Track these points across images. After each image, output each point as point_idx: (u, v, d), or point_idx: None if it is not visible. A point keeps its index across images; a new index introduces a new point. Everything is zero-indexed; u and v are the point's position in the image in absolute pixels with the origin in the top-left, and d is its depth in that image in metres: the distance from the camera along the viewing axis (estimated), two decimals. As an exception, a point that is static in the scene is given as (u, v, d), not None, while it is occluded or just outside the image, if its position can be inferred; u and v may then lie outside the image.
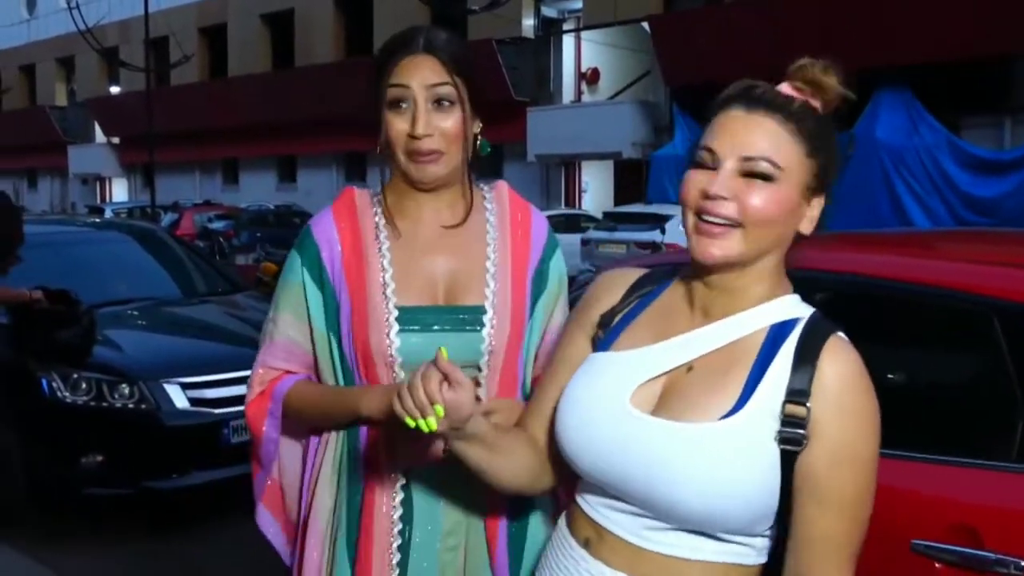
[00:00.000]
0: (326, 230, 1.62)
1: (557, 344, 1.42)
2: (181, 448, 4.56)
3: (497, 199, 1.69)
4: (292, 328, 1.63)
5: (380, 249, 1.60)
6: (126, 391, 4.48)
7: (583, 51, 22.07)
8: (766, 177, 1.18)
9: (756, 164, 1.18)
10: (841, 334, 1.22)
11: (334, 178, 26.76)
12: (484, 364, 1.60)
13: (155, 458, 4.54)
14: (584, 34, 21.69)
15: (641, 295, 1.34)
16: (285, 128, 26.29)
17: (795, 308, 1.25)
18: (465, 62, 1.58)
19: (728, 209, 1.18)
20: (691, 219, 1.22)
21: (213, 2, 29.97)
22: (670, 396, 1.23)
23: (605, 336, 1.33)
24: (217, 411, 4.59)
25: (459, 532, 1.60)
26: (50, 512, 4.75)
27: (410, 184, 1.61)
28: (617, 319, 1.33)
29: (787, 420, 1.16)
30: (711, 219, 1.19)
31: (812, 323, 1.22)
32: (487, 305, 1.60)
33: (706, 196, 1.19)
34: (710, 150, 1.21)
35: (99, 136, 35.10)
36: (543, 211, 17.44)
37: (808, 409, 1.16)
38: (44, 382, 4.49)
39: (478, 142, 1.63)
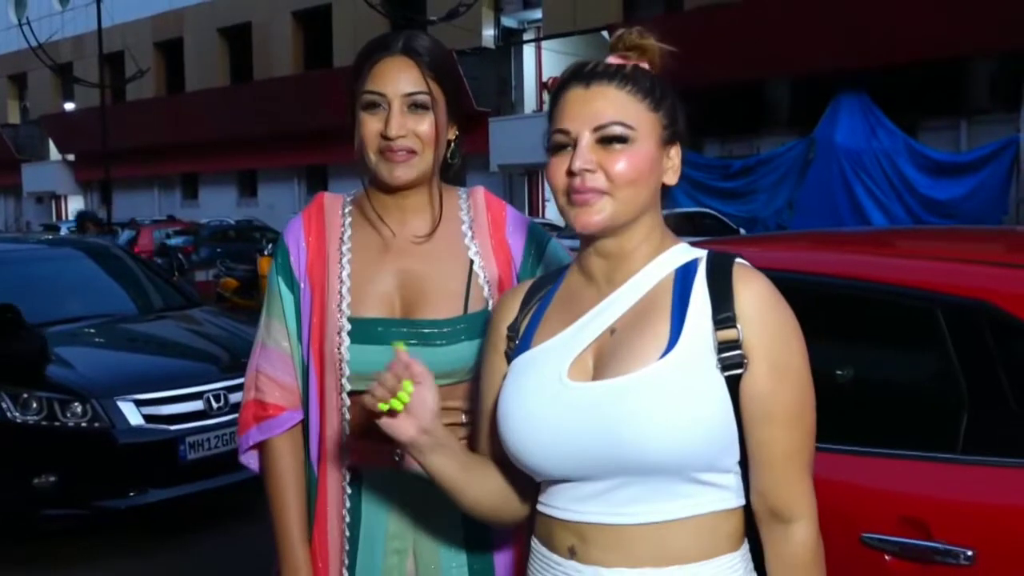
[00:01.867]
0: (296, 235, 1.65)
1: (480, 375, 1.42)
2: (136, 466, 4.49)
3: (474, 206, 1.67)
4: (280, 333, 1.64)
5: (341, 259, 1.61)
6: (78, 409, 4.40)
7: (544, 61, 22.17)
8: (622, 139, 1.24)
9: (610, 129, 1.24)
10: (740, 259, 1.28)
11: (295, 192, 26.61)
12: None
13: (110, 477, 4.47)
14: (544, 44, 21.79)
15: (540, 297, 1.38)
16: (245, 142, 26.10)
17: (690, 252, 1.31)
18: (443, 67, 1.58)
19: (596, 181, 1.23)
20: (563, 199, 1.27)
21: (169, 16, 29.70)
22: (603, 360, 1.26)
23: (519, 343, 1.35)
24: (173, 428, 4.53)
25: (405, 536, 1.59)
26: (5, 534, 4.64)
27: (379, 187, 1.60)
28: (524, 324, 1.36)
29: (722, 346, 1.21)
30: (582, 192, 1.24)
31: (712, 258, 1.28)
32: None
33: (571, 173, 1.24)
34: (564, 131, 1.26)
35: (54, 153, 34.62)
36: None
37: (739, 330, 1.21)
38: (-7, 403, 4.40)
39: (450, 149, 1.63)
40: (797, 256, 2.46)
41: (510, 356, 1.35)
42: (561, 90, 1.29)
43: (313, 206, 1.67)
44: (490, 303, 1.60)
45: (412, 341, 1.55)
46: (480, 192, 1.70)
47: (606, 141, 1.24)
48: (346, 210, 1.66)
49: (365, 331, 1.56)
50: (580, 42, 20.36)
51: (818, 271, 2.28)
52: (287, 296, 1.63)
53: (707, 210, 15.45)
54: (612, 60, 1.29)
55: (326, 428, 1.61)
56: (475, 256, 1.61)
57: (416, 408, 1.25)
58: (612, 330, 1.27)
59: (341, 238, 1.62)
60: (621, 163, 1.23)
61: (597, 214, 1.23)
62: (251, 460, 1.71)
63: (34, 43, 20.99)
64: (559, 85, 1.30)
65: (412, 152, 1.55)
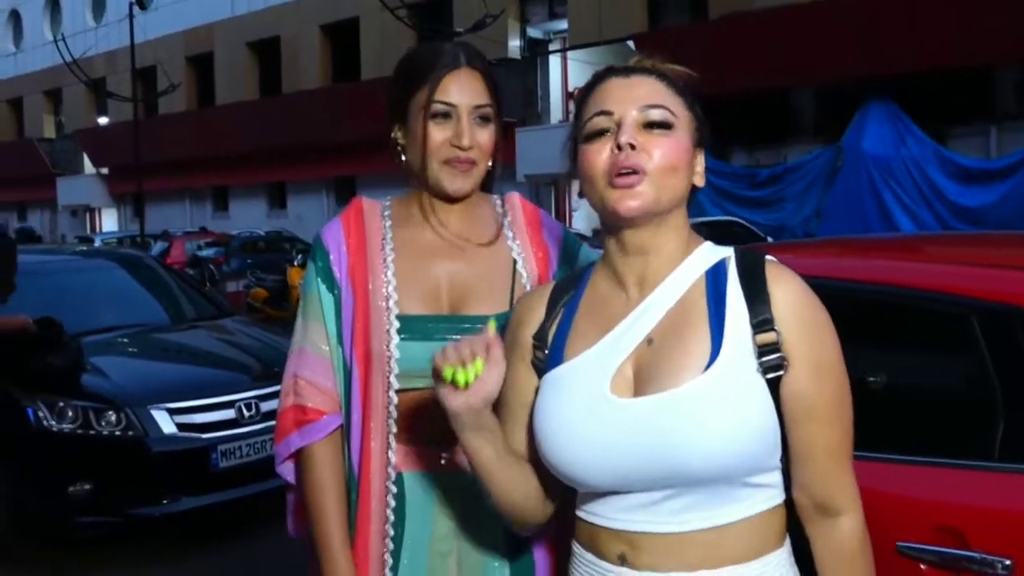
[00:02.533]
0: (335, 236, 1.66)
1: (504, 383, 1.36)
2: (169, 474, 4.53)
3: (511, 210, 1.71)
4: (319, 336, 1.64)
5: (385, 259, 1.63)
6: (113, 418, 4.45)
7: (570, 71, 22.20)
8: (664, 125, 1.25)
9: (655, 112, 1.25)
10: (770, 256, 1.28)
11: (324, 203, 26.79)
12: None
13: (143, 485, 4.51)
14: (570, 54, 21.82)
15: (565, 302, 1.36)
16: (274, 155, 26.33)
17: (716, 252, 1.31)
18: (496, 81, 1.63)
19: (641, 158, 1.23)
20: (602, 182, 1.25)
21: (200, 31, 30.09)
22: (644, 373, 1.24)
23: (549, 354, 1.33)
24: (205, 436, 4.57)
25: (449, 539, 1.61)
26: (39, 541, 4.70)
27: (436, 194, 1.63)
28: (552, 333, 1.34)
29: (762, 350, 1.21)
30: (625, 170, 1.23)
31: (742, 257, 1.28)
32: None
33: (618, 148, 1.23)
34: (606, 112, 1.26)
35: (88, 167, 35.11)
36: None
37: (777, 333, 1.21)
38: (30, 411, 4.46)
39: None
40: (829, 262, 2.45)
41: (539, 366, 1.33)
42: (597, 81, 1.31)
43: (351, 210, 1.70)
44: None
45: (461, 335, 1.57)
46: (515, 196, 1.74)
47: (649, 126, 1.24)
48: (385, 213, 1.69)
49: (414, 328, 1.58)
50: (606, 52, 20.36)
51: (851, 277, 2.27)
52: (327, 298, 1.63)
53: (735, 219, 15.37)
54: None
55: (370, 430, 1.61)
56: (518, 256, 1.65)
57: (474, 386, 1.24)
58: (649, 340, 1.25)
59: (383, 239, 1.65)
60: (663, 148, 1.23)
61: (637, 198, 1.22)
62: (287, 471, 1.70)
63: (69, 59, 21.35)
64: (595, 78, 1.31)
65: (473, 163, 1.60)
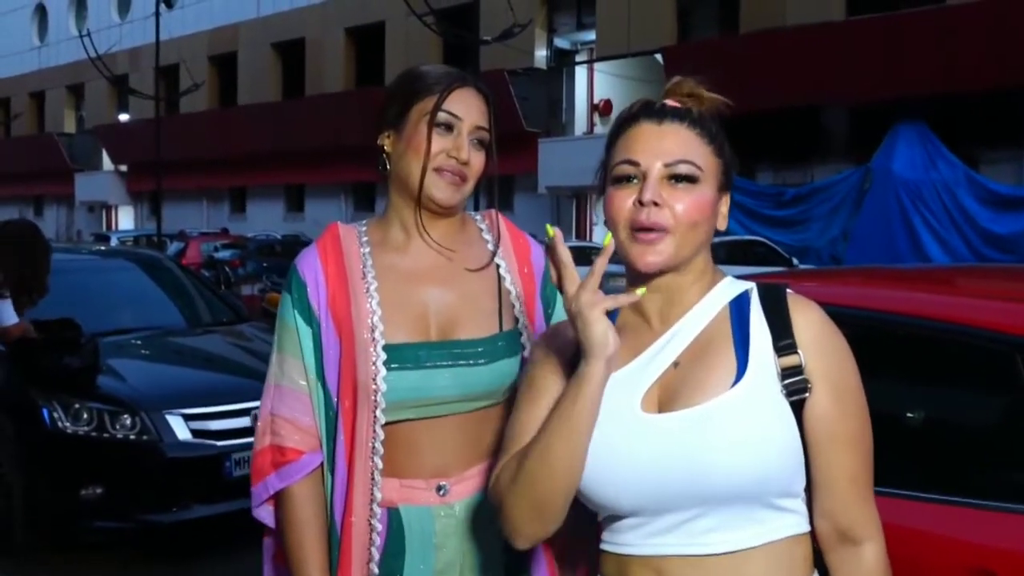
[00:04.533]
0: (312, 267, 1.61)
1: (533, 399, 1.33)
2: (182, 481, 4.49)
3: (492, 227, 1.69)
4: (296, 371, 1.59)
5: (368, 287, 1.58)
6: (128, 422, 4.42)
7: (596, 82, 22.19)
8: (690, 179, 1.27)
9: (680, 167, 1.26)
10: (789, 289, 1.32)
11: (342, 208, 26.85)
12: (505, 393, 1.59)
13: (156, 490, 4.47)
14: (597, 65, 21.81)
15: None
16: (294, 157, 26.43)
17: (738, 285, 1.35)
18: (496, 114, 1.64)
19: (662, 216, 1.25)
20: (624, 233, 1.27)
21: (224, 31, 30.26)
22: (670, 394, 1.27)
23: None
24: (220, 443, 4.52)
25: (451, 571, 1.58)
26: (49, 544, 4.67)
27: (423, 204, 1.59)
28: None
29: (786, 373, 1.25)
30: (647, 227, 1.25)
31: (763, 289, 1.32)
32: (523, 332, 1.60)
33: (638, 204, 1.25)
34: (633, 162, 1.27)
35: (106, 163, 35.33)
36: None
37: (800, 356, 1.25)
38: (45, 412, 4.44)
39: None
40: (870, 293, 2.42)
41: None
42: (629, 123, 1.31)
43: (327, 236, 1.65)
44: (521, 320, 1.62)
45: (452, 362, 1.55)
46: (495, 213, 1.72)
47: (674, 179, 1.26)
48: (363, 239, 1.64)
49: (402, 357, 1.55)
50: (633, 64, 20.32)
51: (892, 310, 2.23)
52: (305, 331, 1.58)
53: (759, 238, 15.26)
54: (670, 103, 1.32)
55: (355, 464, 1.56)
56: (505, 273, 1.64)
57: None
58: (676, 364, 1.28)
59: (364, 266, 1.60)
60: (687, 203, 1.26)
61: (658, 254, 1.25)
62: (265, 514, 1.65)
63: (93, 54, 21.48)
64: (628, 117, 1.32)
65: (465, 179, 1.59)
